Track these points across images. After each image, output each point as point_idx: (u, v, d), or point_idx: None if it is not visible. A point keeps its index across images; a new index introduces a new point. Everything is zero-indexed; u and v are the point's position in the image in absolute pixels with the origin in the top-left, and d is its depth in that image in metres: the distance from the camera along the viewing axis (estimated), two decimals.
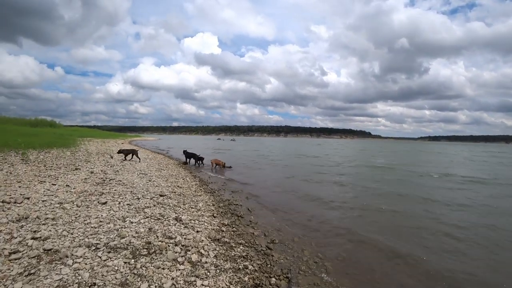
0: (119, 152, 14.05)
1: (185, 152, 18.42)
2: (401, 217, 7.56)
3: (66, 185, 7.11)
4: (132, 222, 4.98)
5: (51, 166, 9.38)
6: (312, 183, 12.31)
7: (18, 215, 4.54)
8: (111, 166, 11.17)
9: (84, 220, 4.73)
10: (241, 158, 23.90)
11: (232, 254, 4.46)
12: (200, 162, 17.54)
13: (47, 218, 4.61)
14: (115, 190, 7.17)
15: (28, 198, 5.53)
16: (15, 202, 5.18)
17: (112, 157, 14.13)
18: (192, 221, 5.68)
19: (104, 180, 8.21)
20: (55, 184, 7.09)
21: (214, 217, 6.43)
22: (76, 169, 9.49)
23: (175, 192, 8.02)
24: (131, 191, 7.30)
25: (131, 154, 14.35)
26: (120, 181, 8.36)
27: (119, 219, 5.03)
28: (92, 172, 9.24)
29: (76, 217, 4.83)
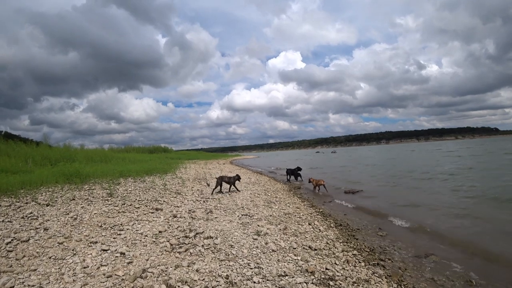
0: (217, 183, 10.29)
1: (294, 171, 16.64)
2: None
3: (121, 254, 3.93)
4: None
5: (130, 205, 6.76)
6: None
7: None
8: (204, 201, 8.07)
9: None
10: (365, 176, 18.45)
11: None
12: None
13: None
14: (199, 270, 3.59)
15: None
16: None
17: (209, 185, 11.36)
18: None
19: (186, 236, 4.85)
20: (106, 251, 4.00)
21: None
22: (156, 209, 6.60)
23: (313, 273, 3.87)
24: (227, 275, 3.56)
25: (228, 185, 10.74)
26: (212, 238, 4.83)
27: None
28: (175, 216, 6.13)
29: None
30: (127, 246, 4.27)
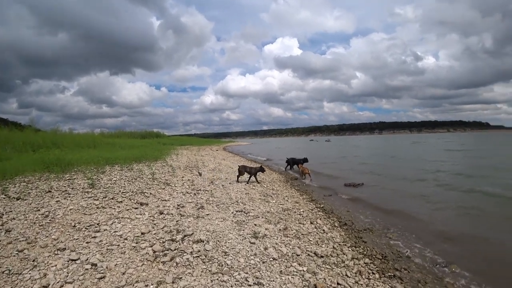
0: (239, 171, 10.14)
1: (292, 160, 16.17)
2: None
3: (92, 265, 3.25)
4: None
5: (112, 199, 6.05)
6: None
7: None
8: (195, 194, 7.38)
9: None
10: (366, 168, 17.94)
11: None
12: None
13: None
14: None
15: None
16: None
17: (200, 174, 10.66)
18: None
19: (173, 239, 4.17)
20: (75, 261, 3.31)
21: None
22: (141, 204, 5.90)
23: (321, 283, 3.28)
24: None
25: (248, 176, 10.28)
26: (202, 242, 4.17)
27: None
28: (161, 213, 5.44)
29: None
30: (101, 254, 3.58)
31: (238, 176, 10.14)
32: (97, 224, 4.57)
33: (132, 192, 6.84)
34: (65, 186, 6.60)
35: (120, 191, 6.79)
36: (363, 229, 5.96)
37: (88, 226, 4.45)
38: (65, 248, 3.65)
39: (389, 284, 3.65)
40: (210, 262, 3.59)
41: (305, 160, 15.47)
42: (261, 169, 10.48)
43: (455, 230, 5.90)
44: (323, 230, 5.53)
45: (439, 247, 5.05)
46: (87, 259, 3.41)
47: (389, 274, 3.94)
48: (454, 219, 6.71)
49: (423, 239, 5.43)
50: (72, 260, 3.38)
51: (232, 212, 5.99)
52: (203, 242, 4.17)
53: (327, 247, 4.65)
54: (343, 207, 7.91)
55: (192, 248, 3.93)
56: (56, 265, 3.24)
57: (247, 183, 10.03)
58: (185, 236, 4.34)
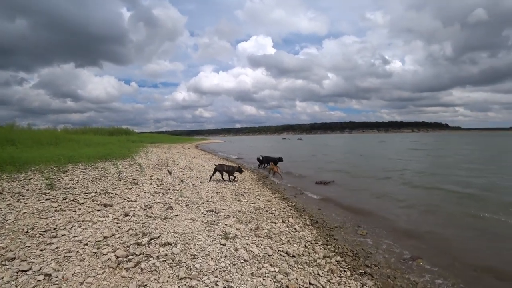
0: (216, 170, 9.95)
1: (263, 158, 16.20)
2: None
3: (46, 275, 2.98)
4: None
5: (72, 200, 5.65)
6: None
7: None
8: (164, 194, 7.12)
9: None
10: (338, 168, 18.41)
11: None
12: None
13: None
14: None
15: None
16: None
17: (170, 173, 10.33)
18: None
19: (138, 243, 3.95)
20: (26, 271, 3.02)
21: None
22: (105, 205, 5.56)
23: None
24: None
25: (224, 175, 10.17)
26: (170, 245, 3.98)
27: None
28: (126, 215, 5.16)
29: None
30: (57, 262, 3.29)
31: (212, 175, 9.97)
32: (54, 229, 4.22)
33: (96, 192, 6.45)
34: (19, 188, 6.07)
35: (82, 191, 6.38)
36: (335, 227, 6.07)
37: (44, 231, 4.09)
38: (14, 258, 3.31)
39: (360, 281, 3.72)
40: (178, 266, 3.44)
41: (280, 159, 15.44)
42: (239, 170, 10.46)
43: (420, 227, 6.21)
44: (295, 228, 5.55)
45: (406, 243, 5.28)
46: (40, 269, 3.11)
47: (360, 271, 4.02)
48: (419, 216, 7.05)
49: (391, 236, 5.65)
50: (22, 271, 3.07)
51: (202, 212, 5.83)
52: (171, 245, 3.99)
53: (299, 246, 4.66)
54: (315, 205, 8.03)
55: (159, 252, 3.74)
56: (2, 278, 2.92)
57: (229, 181, 10.04)
58: (151, 239, 4.13)
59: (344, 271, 3.97)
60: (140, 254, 3.65)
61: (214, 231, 4.79)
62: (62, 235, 4.03)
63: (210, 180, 9.77)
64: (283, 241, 4.76)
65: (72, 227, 4.35)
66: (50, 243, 3.75)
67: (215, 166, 10.12)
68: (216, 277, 3.29)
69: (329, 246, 4.88)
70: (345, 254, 4.62)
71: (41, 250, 3.57)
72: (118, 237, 4.13)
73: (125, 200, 6.12)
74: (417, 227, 6.22)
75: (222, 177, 10.06)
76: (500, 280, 4.00)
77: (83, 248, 3.69)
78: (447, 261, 4.59)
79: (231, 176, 10.19)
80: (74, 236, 4.03)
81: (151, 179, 8.80)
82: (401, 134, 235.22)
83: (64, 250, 3.61)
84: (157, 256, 3.62)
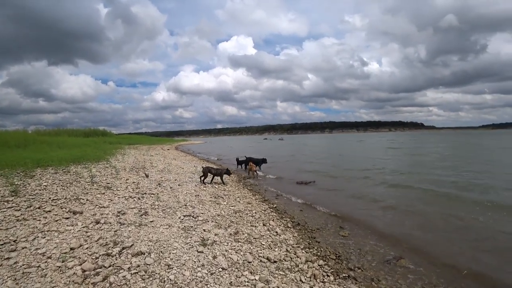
0: (204, 172, 9.82)
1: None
2: None
3: None
4: None
5: (38, 208, 5.25)
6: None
7: None
8: (139, 198, 6.79)
9: None
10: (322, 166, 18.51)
11: None
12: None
13: None
14: None
15: None
16: None
17: (147, 176, 9.94)
18: None
19: (108, 254, 3.68)
20: None
21: None
22: (74, 213, 5.21)
23: None
24: None
25: (215, 177, 10.12)
26: (143, 255, 3.75)
27: None
28: (97, 222, 4.85)
29: None
30: (14, 279, 2.99)
31: (204, 178, 9.84)
32: (14, 241, 3.88)
33: (65, 199, 6.05)
34: None
35: (50, 198, 5.96)
36: (316, 229, 6.02)
37: (1, 244, 3.74)
38: None
39: (344, 286, 3.65)
40: (151, 279, 3.22)
41: (264, 160, 15.14)
42: (227, 172, 10.38)
43: (401, 226, 6.29)
44: (276, 232, 5.43)
45: (388, 243, 5.30)
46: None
47: (344, 275, 3.95)
48: (400, 216, 7.12)
49: (374, 236, 5.67)
50: None
51: (180, 217, 5.60)
52: (144, 254, 3.76)
53: (280, 250, 4.54)
54: (296, 206, 7.98)
55: (131, 263, 3.50)
56: None
57: (223, 183, 10.01)
58: (123, 248, 3.88)
59: (327, 275, 3.89)
60: (109, 266, 3.40)
61: (191, 237, 4.58)
62: (23, 248, 3.70)
63: (202, 183, 9.73)
64: (264, 246, 4.63)
65: (35, 239, 4.01)
66: (8, 258, 3.43)
67: (202, 168, 9.97)
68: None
69: (311, 250, 4.80)
70: (328, 257, 4.55)
71: None
72: (87, 248, 3.85)
73: (97, 206, 5.78)
74: (398, 226, 6.29)
75: (203, 179, 9.83)
76: (477, 281, 4.05)
77: (45, 262, 3.40)
78: (428, 260, 4.64)
79: (219, 178, 10.13)
80: (37, 249, 3.71)
81: (126, 182, 8.41)
82: (379, 133, 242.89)
83: (23, 265, 3.30)
84: (129, 268, 3.38)
